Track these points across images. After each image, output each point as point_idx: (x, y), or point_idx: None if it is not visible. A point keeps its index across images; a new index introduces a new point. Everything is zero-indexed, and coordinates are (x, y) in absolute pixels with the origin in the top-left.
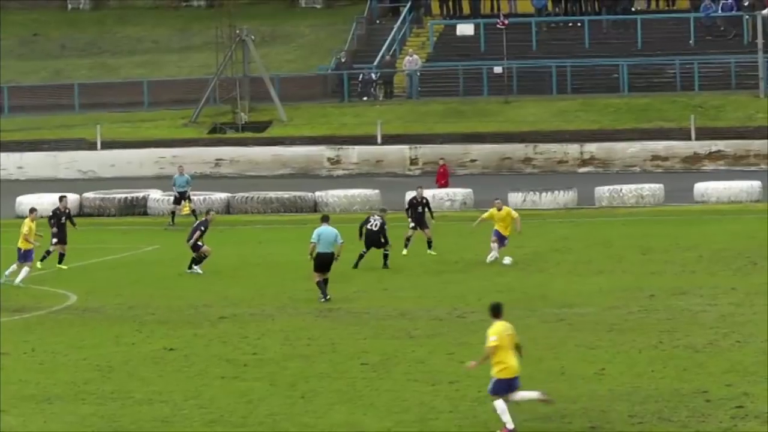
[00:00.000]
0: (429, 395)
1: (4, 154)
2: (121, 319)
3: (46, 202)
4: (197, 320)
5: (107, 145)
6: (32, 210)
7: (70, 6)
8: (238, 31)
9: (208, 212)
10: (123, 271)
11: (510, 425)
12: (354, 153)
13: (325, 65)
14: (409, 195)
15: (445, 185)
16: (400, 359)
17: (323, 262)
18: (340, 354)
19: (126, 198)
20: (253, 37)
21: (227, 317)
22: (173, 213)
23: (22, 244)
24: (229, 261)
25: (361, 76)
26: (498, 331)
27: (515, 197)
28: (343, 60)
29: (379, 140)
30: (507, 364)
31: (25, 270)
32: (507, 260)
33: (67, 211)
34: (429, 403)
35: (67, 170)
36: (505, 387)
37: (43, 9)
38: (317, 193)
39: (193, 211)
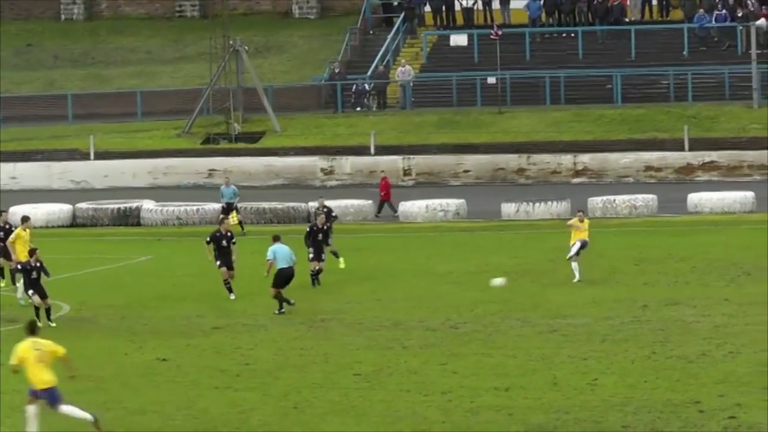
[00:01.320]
0: (422, 405)
1: (2, 164)
2: (113, 330)
3: (40, 212)
4: (190, 330)
5: (100, 155)
6: (25, 219)
7: (63, 17)
8: (231, 42)
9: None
10: (116, 281)
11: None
12: (347, 163)
13: (319, 76)
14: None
15: (386, 198)
16: (392, 370)
17: (286, 278)
18: (332, 364)
19: (119, 208)
20: (246, 47)
21: (220, 327)
22: (240, 222)
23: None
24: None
25: (354, 87)
26: (21, 349)
27: (508, 208)
28: (336, 71)
29: (372, 151)
30: (36, 378)
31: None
32: (497, 282)
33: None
34: (422, 414)
35: (60, 180)
36: (42, 396)
37: (37, 20)
38: (311, 204)
39: (240, 223)
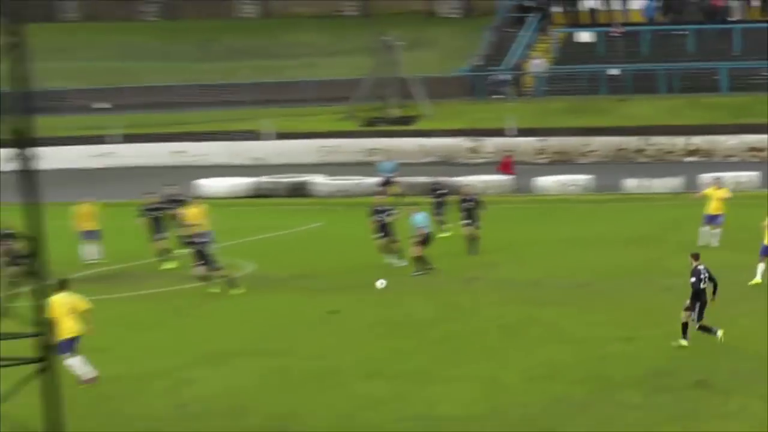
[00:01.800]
0: (557, 353)
1: (191, 143)
2: (290, 286)
3: (225, 185)
4: (359, 286)
5: (276, 136)
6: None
7: (240, 14)
8: (386, 38)
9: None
10: (293, 244)
11: (89, 375)
12: (490, 143)
13: (462, 68)
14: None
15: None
16: (531, 322)
17: (427, 240)
18: (480, 317)
19: (293, 182)
20: (399, 42)
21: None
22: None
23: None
24: None
25: (492, 77)
26: (54, 302)
27: (630, 183)
28: (477, 63)
29: (514, 132)
30: (64, 327)
31: None
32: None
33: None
34: (557, 360)
35: (240, 158)
36: (65, 346)
37: (215, 17)
38: (458, 179)
39: (401, 194)
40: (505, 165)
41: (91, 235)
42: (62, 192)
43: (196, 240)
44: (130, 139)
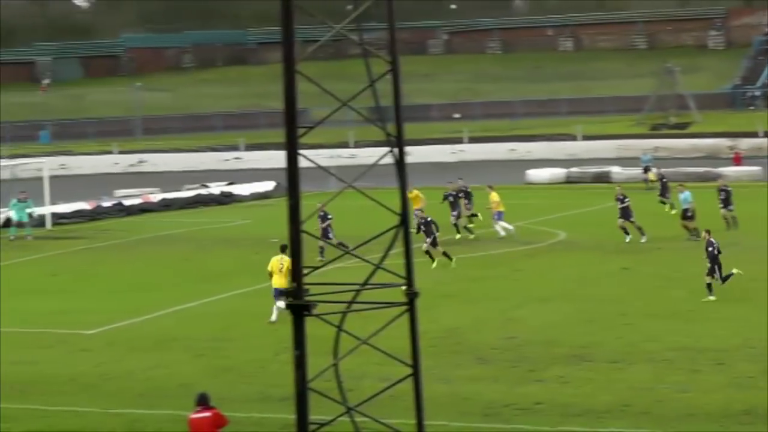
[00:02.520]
0: None
1: (521, 143)
2: (593, 249)
3: (545, 174)
4: (647, 249)
5: (583, 138)
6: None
7: (560, 48)
8: (668, 65)
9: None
10: (595, 218)
11: (273, 318)
12: (744, 143)
13: (725, 86)
14: None
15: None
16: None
17: (691, 214)
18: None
19: (597, 171)
20: (677, 68)
21: (659, 248)
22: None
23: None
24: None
25: (748, 93)
26: (272, 261)
27: None
28: (736, 83)
29: (761, 135)
30: (277, 282)
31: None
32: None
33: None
34: None
35: (557, 154)
36: (277, 293)
37: (542, 50)
38: (720, 170)
39: (662, 179)
40: (736, 159)
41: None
42: (428, 178)
43: (424, 219)
44: (476, 140)
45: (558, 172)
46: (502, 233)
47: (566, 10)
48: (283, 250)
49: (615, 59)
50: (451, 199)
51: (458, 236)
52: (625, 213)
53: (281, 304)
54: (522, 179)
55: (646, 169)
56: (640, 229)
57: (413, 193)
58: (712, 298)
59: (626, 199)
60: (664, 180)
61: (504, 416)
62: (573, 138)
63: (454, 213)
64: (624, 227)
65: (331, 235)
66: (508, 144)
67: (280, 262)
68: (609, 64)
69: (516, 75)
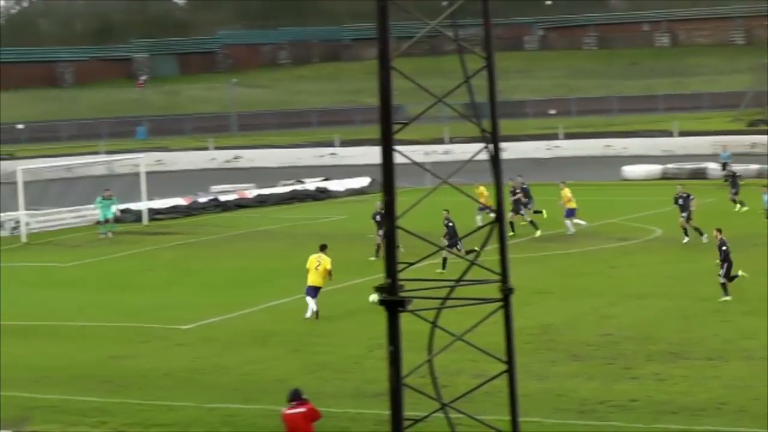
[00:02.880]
0: None
1: (616, 140)
2: (685, 245)
3: (639, 170)
4: (743, 246)
5: (678, 134)
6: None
7: (656, 44)
8: (766, 60)
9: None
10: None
11: (307, 315)
12: None
13: None
14: None
15: None
16: None
17: None
18: None
19: (694, 167)
20: None
21: (757, 245)
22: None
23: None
24: None
25: None
26: (309, 259)
27: None
28: None
29: None
30: (312, 278)
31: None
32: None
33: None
34: None
35: (652, 150)
36: (310, 291)
37: (638, 47)
38: None
39: (733, 175)
40: None
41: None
42: (524, 175)
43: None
44: (571, 136)
45: (654, 169)
46: (572, 230)
47: (663, 6)
48: (322, 249)
49: (712, 55)
50: (516, 196)
51: (511, 233)
52: (687, 213)
53: (311, 302)
54: (618, 176)
55: (725, 166)
56: (697, 229)
57: (479, 189)
58: (727, 298)
59: (690, 198)
60: (736, 177)
61: (599, 413)
62: (669, 134)
63: (511, 212)
64: (685, 227)
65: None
66: (603, 140)
67: (318, 260)
68: (706, 59)
69: (612, 71)
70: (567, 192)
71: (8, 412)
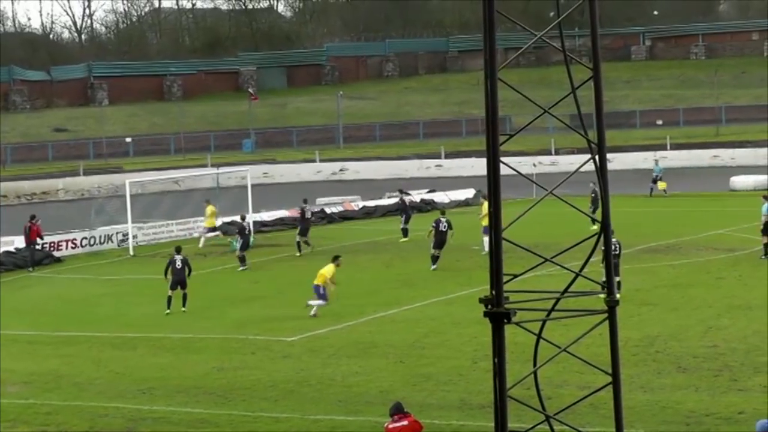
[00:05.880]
0: None
1: (724, 150)
2: None
3: (751, 180)
4: None
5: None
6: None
7: (766, 53)
8: None
9: None
10: None
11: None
12: None
13: None
14: None
15: None
16: None
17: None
18: None
19: None
20: None
21: None
22: None
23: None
24: None
25: None
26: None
27: None
28: None
29: None
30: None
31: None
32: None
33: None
34: None
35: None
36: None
37: (747, 55)
38: None
39: None
40: None
41: None
42: (631, 186)
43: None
44: (679, 147)
45: (763, 179)
46: (486, 249)
47: None
48: (334, 260)
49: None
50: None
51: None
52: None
53: (313, 302)
54: (726, 186)
55: None
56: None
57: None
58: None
59: None
60: None
61: (706, 425)
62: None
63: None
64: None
65: None
66: (711, 150)
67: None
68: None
69: (720, 81)
70: (485, 207)
71: (116, 423)
